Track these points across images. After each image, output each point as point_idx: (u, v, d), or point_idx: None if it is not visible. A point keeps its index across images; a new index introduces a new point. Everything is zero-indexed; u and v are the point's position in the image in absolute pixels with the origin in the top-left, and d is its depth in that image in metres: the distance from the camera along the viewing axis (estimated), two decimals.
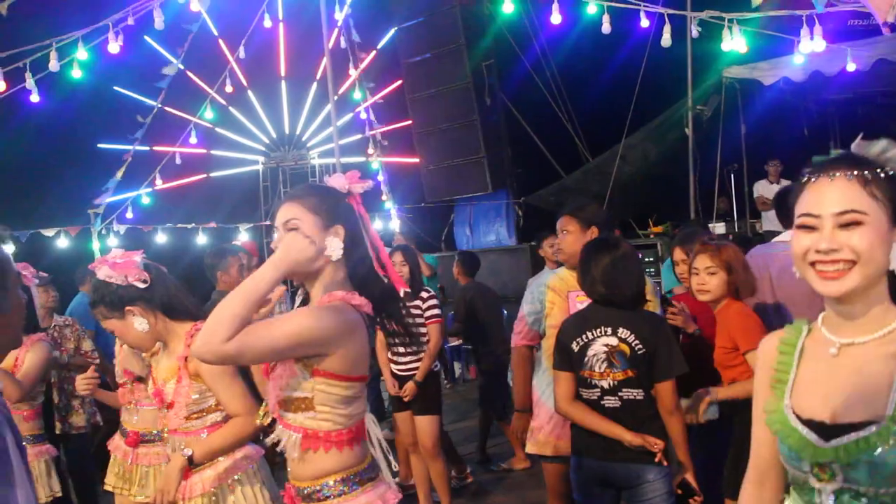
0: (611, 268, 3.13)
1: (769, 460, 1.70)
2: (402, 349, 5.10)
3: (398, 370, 5.24)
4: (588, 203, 3.89)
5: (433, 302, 5.26)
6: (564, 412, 3.24)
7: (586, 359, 3.13)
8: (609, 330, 3.10)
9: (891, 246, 1.49)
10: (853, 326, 1.55)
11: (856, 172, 1.48)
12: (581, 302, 3.54)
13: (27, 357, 3.83)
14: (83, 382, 3.56)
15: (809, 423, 1.54)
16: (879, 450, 1.43)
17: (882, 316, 1.53)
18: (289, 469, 2.21)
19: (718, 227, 10.09)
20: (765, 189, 10.47)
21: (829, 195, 1.49)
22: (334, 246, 2.13)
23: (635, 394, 3.08)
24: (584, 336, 3.15)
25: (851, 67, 8.10)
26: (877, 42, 8.21)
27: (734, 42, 7.46)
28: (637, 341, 3.06)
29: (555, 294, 3.70)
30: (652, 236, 10.35)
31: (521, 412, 3.85)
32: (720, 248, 3.57)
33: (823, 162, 1.55)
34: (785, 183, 10.22)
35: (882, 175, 1.49)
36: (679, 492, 3.11)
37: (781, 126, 11.01)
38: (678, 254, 4.22)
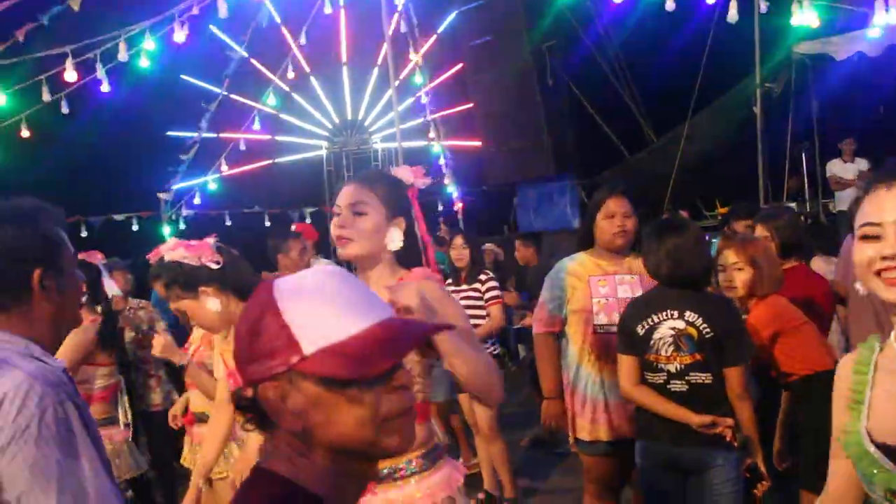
0: (676, 248, 3.05)
1: (843, 489, 1.64)
2: None
3: None
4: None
5: (493, 283, 5.24)
6: (629, 396, 3.18)
7: (652, 342, 3.06)
8: (675, 313, 3.03)
9: None
10: None
11: None
12: (602, 286, 3.51)
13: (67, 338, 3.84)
14: (158, 343, 3.60)
15: (884, 448, 1.47)
16: None
17: None
18: None
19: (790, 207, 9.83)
20: (838, 168, 10.14)
21: (889, 203, 1.45)
22: (395, 237, 2.18)
23: (703, 377, 3.00)
24: (649, 319, 3.07)
25: None
26: None
27: (804, 16, 7.22)
28: (705, 325, 2.98)
29: (575, 279, 3.62)
30: (719, 217, 10.13)
31: (551, 399, 3.79)
32: (745, 244, 3.49)
33: (882, 171, 1.50)
34: (860, 161, 9.90)
35: None
36: (748, 475, 3.04)
37: (855, 103, 10.64)
38: (759, 230, 4.09)
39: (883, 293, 1.46)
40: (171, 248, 3.05)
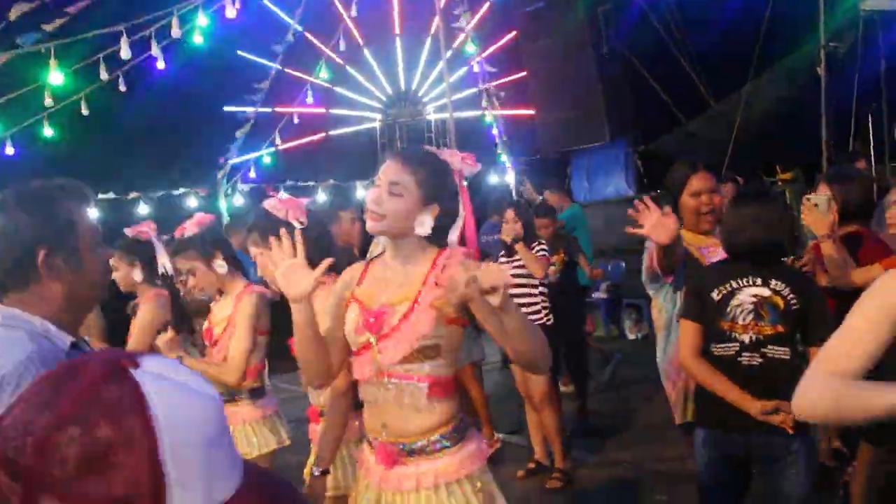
0: (758, 218, 2.84)
1: (856, 372, 1.56)
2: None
3: None
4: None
5: (542, 246, 5.18)
6: (688, 367, 2.94)
7: (729, 308, 2.82)
8: (759, 280, 2.81)
9: None
10: None
11: None
12: (713, 256, 3.26)
13: (137, 317, 3.89)
14: (161, 340, 3.68)
15: None
16: None
17: None
18: (383, 425, 2.19)
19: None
20: None
21: None
22: (425, 224, 2.19)
23: (782, 352, 2.76)
24: (728, 284, 2.84)
25: None
26: None
27: None
28: (792, 295, 2.76)
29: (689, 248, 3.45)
30: (780, 184, 9.83)
31: None
32: None
33: None
34: None
35: None
36: (832, 463, 2.86)
37: None
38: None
39: None
40: (195, 224, 3.51)
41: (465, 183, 2.31)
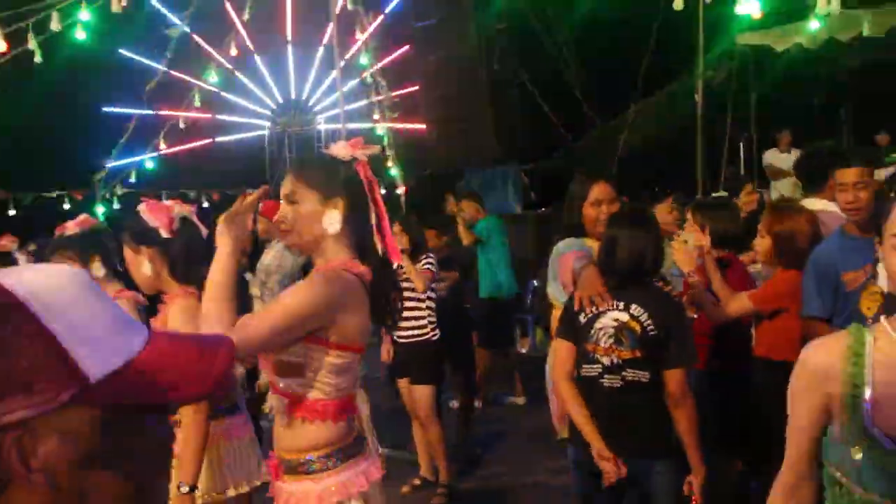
0: (628, 238, 2.93)
1: (803, 472, 1.67)
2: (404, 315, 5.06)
3: (398, 337, 5.20)
4: None
5: (429, 260, 5.14)
6: (558, 388, 3.03)
7: (593, 331, 2.92)
8: (622, 304, 2.90)
9: None
10: None
11: None
12: None
13: None
14: None
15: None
16: None
17: None
18: (275, 438, 2.18)
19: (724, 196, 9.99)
20: (774, 158, 10.32)
21: None
22: (332, 219, 2.13)
23: (640, 376, 2.86)
24: (593, 307, 2.95)
25: (867, 33, 7.94)
26: (893, 8, 8.03)
27: (748, 5, 7.28)
28: (650, 322, 2.85)
29: None
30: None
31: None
32: (778, 213, 3.66)
33: None
34: (796, 152, 10.10)
35: None
36: (686, 493, 2.90)
37: (792, 94, 10.85)
38: (693, 218, 4.12)
39: None
40: (76, 224, 3.27)
41: (369, 171, 2.25)
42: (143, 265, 2.84)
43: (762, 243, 3.66)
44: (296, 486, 2.12)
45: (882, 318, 1.59)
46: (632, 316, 2.87)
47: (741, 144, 10.43)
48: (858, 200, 3.27)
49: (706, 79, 9.51)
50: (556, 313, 3.44)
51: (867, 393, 1.51)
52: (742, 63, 9.86)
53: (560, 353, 3.03)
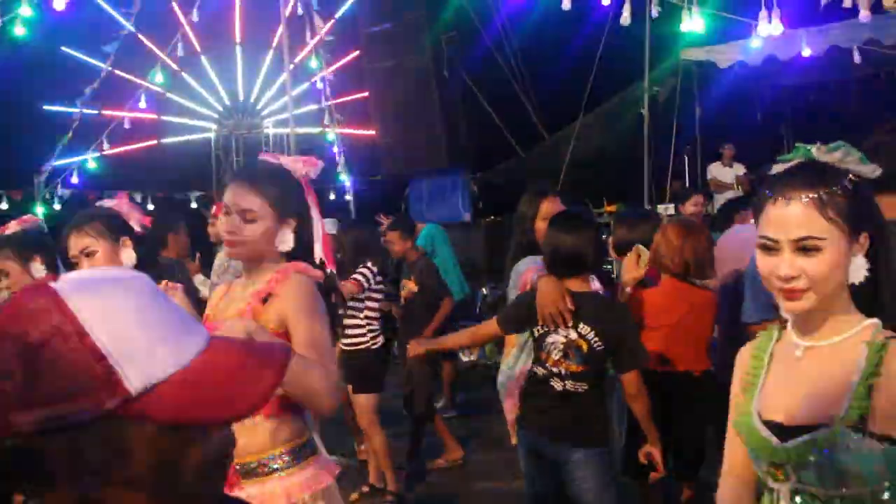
0: (567, 235, 3.12)
1: (743, 462, 1.73)
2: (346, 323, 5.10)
3: (342, 345, 5.19)
4: None
5: (363, 269, 5.14)
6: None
7: (545, 344, 3.14)
8: (570, 323, 3.07)
9: (849, 261, 1.53)
10: (817, 332, 1.60)
11: (812, 196, 1.50)
12: None
13: None
14: None
15: (770, 425, 1.59)
16: (826, 451, 1.48)
17: (841, 323, 1.58)
18: None
19: (670, 209, 10.18)
20: (718, 171, 10.60)
21: (787, 220, 1.52)
22: (286, 239, 2.17)
23: (579, 387, 3.10)
24: (544, 325, 3.14)
25: (806, 53, 8.20)
26: (830, 29, 8.31)
27: (692, 23, 7.48)
28: (597, 338, 3.05)
29: None
30: (605, 215, 10.40)
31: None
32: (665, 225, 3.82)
33: (781, 178, 1.57)
34: (738, 166, 10.37)
35: (839, 192, 1.51)
36: (644, 461, 3.18)
37: (736, 110, 11.14)
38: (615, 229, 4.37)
39: (780, 303, 1.58)
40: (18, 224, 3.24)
41: (311, 187, 2.30)
42: (124, 254, 2.74)
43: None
44: (258, 488, 2.08)
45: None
46: (580, 335, 3.07)
47: (686, 157, 10.66)
48: None
49: (652, 94, 9.71)
50: (512, 339, 3.56)
51: (760, 380, 1.66)
52: (687, 78, 10.09)
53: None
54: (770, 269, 1.55)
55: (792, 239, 1.51)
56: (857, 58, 8.38)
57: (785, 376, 1.61)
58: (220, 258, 5.61)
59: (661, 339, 3.60)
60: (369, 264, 5.20)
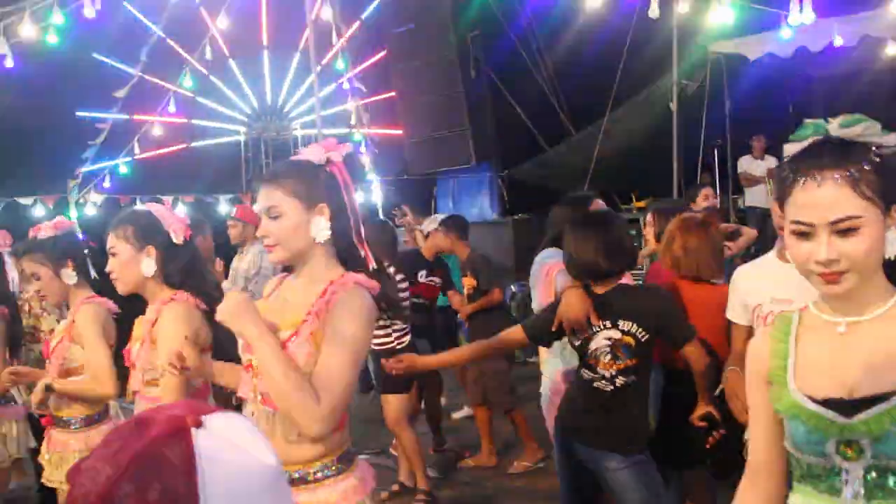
0: (602, 243, 3.05)
1: (763, 460, 1.69)
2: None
3: (374, 345, 5.18)
4: None
5: (400, 276, 5.16)
6: None
7: (590, 351, 3.05)
8: (609, 323, 3.02)
9: (884, 236, 1.49)
10: (856, 308, 1.55)
11: (843, 174, 1.45)
12: None
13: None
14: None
15: (827, 402, 1.52)
16: None
17: (880, 295, 1.55)
18: None
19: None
20: (748, 165, 10.47)
21: (821, 201, 1.46)
22: (320, 227, 2.07)
23: (629, 380, 3.02)
24: (583, 332, 3.07)
25: (838, 43, 8.07)
26: (863, 18, 8.18)
27: (721, 14, 7.39)
28: (640, 329, 2.98)
29: None
30: (635, 211, 10.33)
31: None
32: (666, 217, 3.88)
33: (805, 158, 1.51)
34: (770, 159, 10.23)
35: (868, 167, 1.46)
36: (703, 424, 3.07)
37: (766, 102, 10.99)
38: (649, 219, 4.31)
39: (819, 287, 1.53)
40: (53, 227, 3.34)
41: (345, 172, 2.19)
42: (142, 263, 2.67)
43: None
44: (307, 496, 2.04)
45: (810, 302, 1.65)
46: (623, 332, 3.00)
47: (716, 151, 10.54)
48: None
49: (681, 88, 9.62)
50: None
51: (790, 363, 1.60)
52: (715, 71, 9.97)
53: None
54: (806, 254, 1.49)
55: (829, 221, 1.45)
56: (890, 47, 8.24)
57: (829, 353, 1.56)
58: (245, 261, 5.65)
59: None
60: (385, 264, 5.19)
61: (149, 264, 2.67)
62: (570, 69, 11.99)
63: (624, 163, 11.11)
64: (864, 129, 1.47)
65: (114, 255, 2.71)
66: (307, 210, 2.07)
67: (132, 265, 2.68)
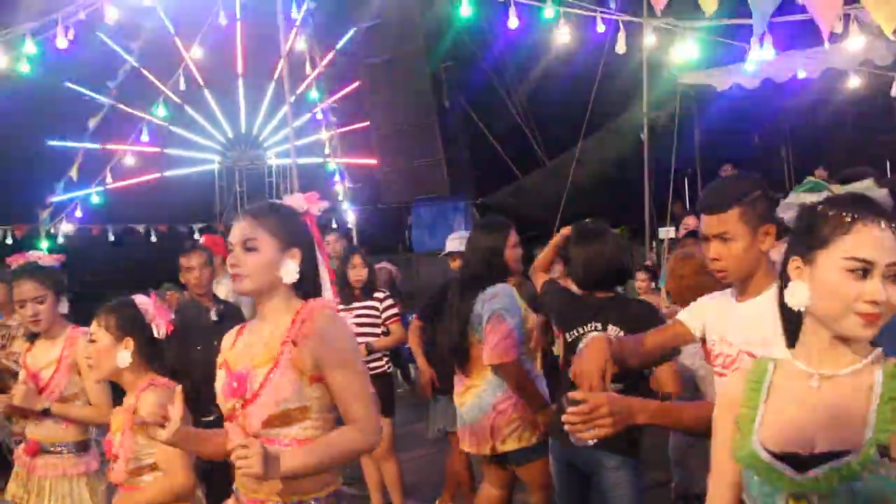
0: (596, 254, 3.23)
1: (726, 496, 1.69)
2: None
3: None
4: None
5: (390, 302, 5.21)
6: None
7: (578, 350, 3.10)
8: (599, 325, 3.14)
9: None
10: (836, 360, 1.56)
11: (892, 224, 1.48)
12: None
13: None
14: (19, 392, 3.48)
15: (783, 457, 1.53)
16: (855, 478, 1.44)
17: (861, 351, 1.55)
18: (251, 485, 2.11)
19: (671, 231, 10.19)
20: None
21: (885, 243, 1.48)
22: (289, 269, 2.14)
23: (615, 387, 2.94)
24: (576, 330, 3.22)
25: (801, 75, 8.27)
26: (825, 52, 8.37)
27: (687, 49, 7.56)
28: (626, 334, 3.03)
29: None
30: None
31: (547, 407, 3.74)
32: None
33: (861, 202, 1.53)
34: None
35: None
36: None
37: (734, 132, 11.19)
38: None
39: (855, 329, 1.50)
40: (51, 259, 3.34)
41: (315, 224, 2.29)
42: (119, 354, 2.66)
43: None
44: None
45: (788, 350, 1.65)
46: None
47: (686, 179, 10.69)
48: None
49: (651, 118, 9.78)
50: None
51: (759, 413, 1.60)
52: (685, 102, 10.15)
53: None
54: (858, 292, 1.47)
55: (888, 263, 1.47)
56: (852, 79, 8.46)
57: (797, 407, 1.56)
58: (220, 290, 5.62)
59: None
60: (376, 294, 5.23)
61: (124, 357, 2.66)
62: (542, 98, 12.15)
63: (597, 190, 11.24)
64: (866, 186, 1.54)
65: (93, 342, 2.73)
66: (281, 251, 2.14)
67: (109, 355, 2.70)
